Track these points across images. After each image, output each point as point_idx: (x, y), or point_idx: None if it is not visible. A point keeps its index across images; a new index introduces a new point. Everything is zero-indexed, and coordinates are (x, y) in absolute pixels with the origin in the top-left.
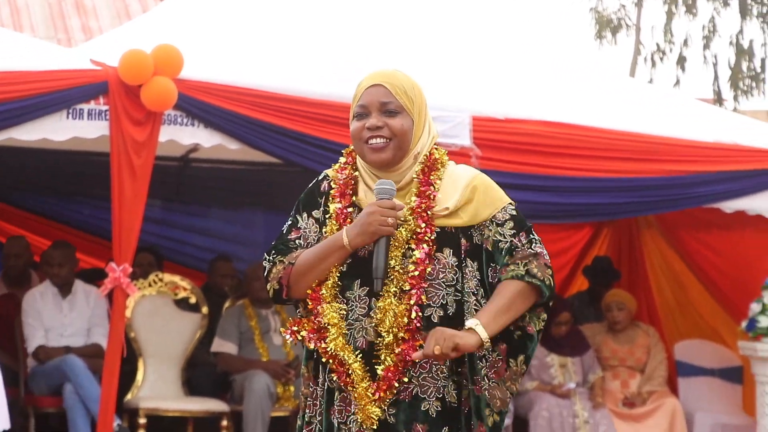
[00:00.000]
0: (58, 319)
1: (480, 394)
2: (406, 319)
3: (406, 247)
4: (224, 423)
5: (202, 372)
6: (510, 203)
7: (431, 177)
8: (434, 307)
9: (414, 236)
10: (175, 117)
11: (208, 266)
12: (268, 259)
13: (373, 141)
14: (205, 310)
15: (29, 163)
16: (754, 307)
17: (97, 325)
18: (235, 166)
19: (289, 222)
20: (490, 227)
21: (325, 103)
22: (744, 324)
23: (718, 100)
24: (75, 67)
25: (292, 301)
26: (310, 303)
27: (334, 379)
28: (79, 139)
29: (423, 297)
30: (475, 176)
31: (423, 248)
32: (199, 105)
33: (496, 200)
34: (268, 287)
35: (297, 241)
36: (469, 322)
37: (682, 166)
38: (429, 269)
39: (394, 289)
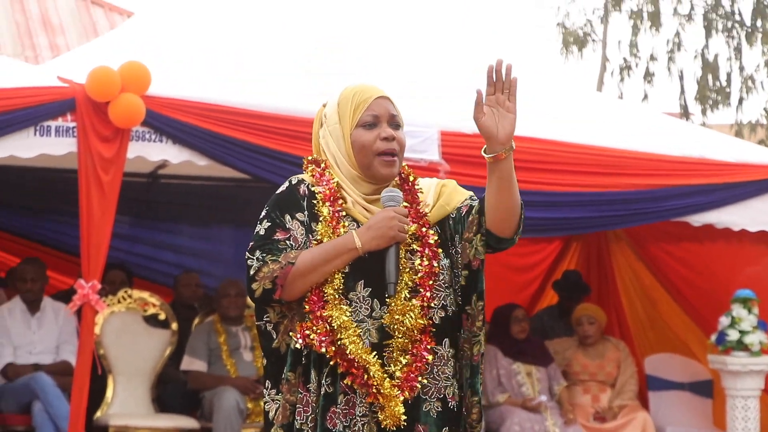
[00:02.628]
0: (27, 336)
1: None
2: (422, 321)
3: (407, 250)
4: None
5: (172, 389)
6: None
7: (413, 187)
8: (436, 308)
9: (418, 239)
10: (143, 133)
11: (174, 282)
12: (255, 258)
13: (387, 156)
14: (174, 326)
15: None
16: (724, 321)
17: (66, 342)
18: (203, 182)
19: (268, 223)
20: (465, 201)
21: (293, 119)
22: (713, 337)
23: (685, 114)
24: (42, 84)
25: (282, 302)
26: (308, 306)
27: (347, 382)
28: (46, 156)
29: (434, 299)
30: (438, 180)
31: (432, 251)
32: (167, 121)
33: (464, 191)
34: (255, 287)
35: (287, 242)
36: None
37: (650, 180)
38: (437, 271)
39: (405, 292)
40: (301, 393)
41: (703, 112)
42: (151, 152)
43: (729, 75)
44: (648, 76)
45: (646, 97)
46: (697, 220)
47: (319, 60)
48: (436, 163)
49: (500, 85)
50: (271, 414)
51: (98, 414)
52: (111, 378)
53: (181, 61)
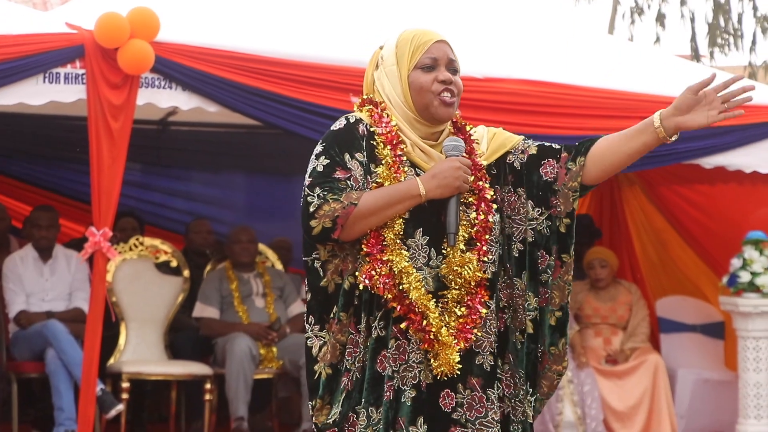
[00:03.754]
0: (40, 283)
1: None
2: (480, 274)
3: (462, 202)
4: (208, 386)
5: (184, 335)
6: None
7: (469, 137)
8: (489, 263)
9: (476, 193)
10: (153, 80)
11: (185, 229)
12: (315, 195)
13: (446, 95)
14: (186, 273)
15: (6, 128)
16: (735, 263)
17: (79, 289)
18: (214, 129)
19: (327, 160)
20: (523, 144)
21: (304, 65)
22: (725, 279)
23: (696, 56)
24: (51, 31)
25: (339, 242)
26: (366, 248)
27: (402, 326)
28: (56, 103)
29: (489, 253)
30: (489, 128)
31: (488, 205)
32: (177, 68)
33: (515, 135)
34: (314, 224)
35: (347, 182)
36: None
37: None
38: (491, 226)
39: (461, 245)
40: (352, 333)
41: (711, 55)
42: (161, 99)
43: (741, 16)
44: (660, 18)
45: (658, 39)
46: (709, 162)
47: (328, 5)
48: None
49: (724, 95)
50: (314, 350)
51: (111, 361)
52: (123, 325)
53: (190, 6)
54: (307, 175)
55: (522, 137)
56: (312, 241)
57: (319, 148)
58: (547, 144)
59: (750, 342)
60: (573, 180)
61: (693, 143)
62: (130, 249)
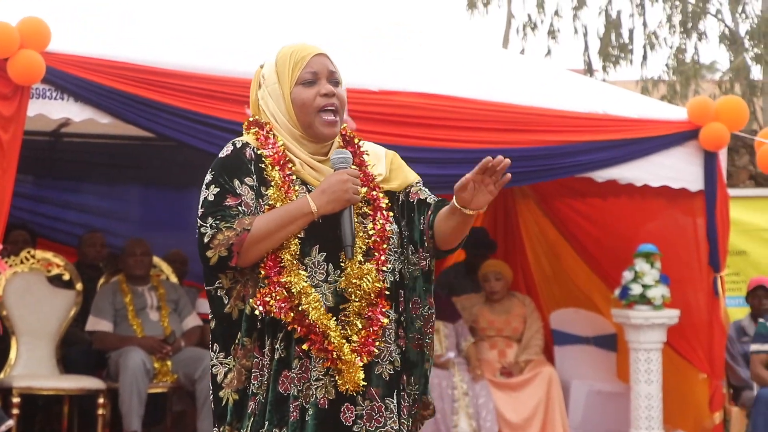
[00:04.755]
0: None
1: (420, 350)
2: (379, 284)
3: (358, 213)
4: (101, 401)
5: (77, 349)
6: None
7: (359, 149)
8: (388, 272)
9: (371, 203)
10: (44, 91)
11: (78, 242)
12: (208, 225)
13: (328, 115)
14: (79, 286)
15: None
16: (627, 275)
17: None
18: (107, 141)
19: (217, 189)
20: (415, 186)
21: (198, 77)
22: (617, 292)
23: (589, 70)
24: None
25: (237, 269)
26: (263, 271)
27: (305, 347)
28: None
29: (387, 263)
30: (386, 150)
31: (383, 215)
32: (69, 78)
33: (412, 173)
34: (210, 254)
35: (239, 208)
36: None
37: (554, 137)
38: (389, 235)
39: (359, 256)
40: (257, 357)
41: (604, 69)
42: (53, 110)
43: (632, 31)
44: (552, 32)
45: (549, 52)
46: (601, 175)
47: (221, 17)
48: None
49: (491, 175)
50: (219, 377)
51: (1, 376)
52: (14, 339)
53: (82, 16)
54: (199, 206)
55: (416, 181)
56: (211, 271)
57: (208, 177)
58: (425, 196)
59: (641, 354)
60: (429, 241)
61: (585, 156)
62: (22, 262)
